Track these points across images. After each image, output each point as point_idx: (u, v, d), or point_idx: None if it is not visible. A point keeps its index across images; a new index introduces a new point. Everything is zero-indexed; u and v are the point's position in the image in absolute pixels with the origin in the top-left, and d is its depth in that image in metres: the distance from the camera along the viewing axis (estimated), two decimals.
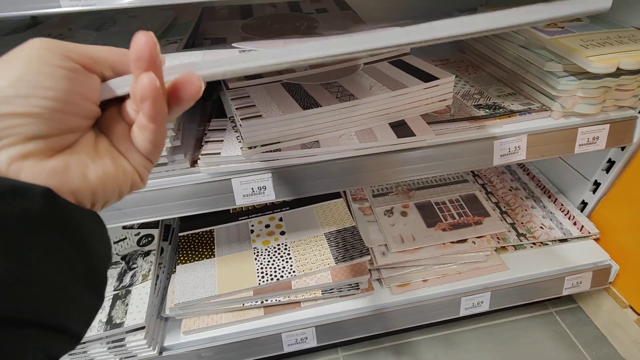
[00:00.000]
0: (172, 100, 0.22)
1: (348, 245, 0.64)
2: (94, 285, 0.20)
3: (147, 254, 0.63)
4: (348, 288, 0.61)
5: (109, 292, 0.57)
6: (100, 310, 0.55)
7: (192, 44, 0.62)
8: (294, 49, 0.21)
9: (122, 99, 0.22)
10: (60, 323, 0.18)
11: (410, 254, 0.65)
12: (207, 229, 0.69)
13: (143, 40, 0.19)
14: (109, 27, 0.59)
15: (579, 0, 0.23)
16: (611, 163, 0.66)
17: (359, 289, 0.62)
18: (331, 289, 0.61)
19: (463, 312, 0.65)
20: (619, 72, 0.51)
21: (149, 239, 0.66)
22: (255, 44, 0.48)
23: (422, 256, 0.65)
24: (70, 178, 0.19)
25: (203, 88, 0.22)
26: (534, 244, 0.70)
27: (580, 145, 0.56)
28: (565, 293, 0.67)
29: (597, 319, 0.73)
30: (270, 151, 0.46)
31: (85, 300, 0.19)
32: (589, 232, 0.69)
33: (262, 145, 0.46)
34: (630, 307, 0.67)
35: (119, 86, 0.22)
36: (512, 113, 0.56)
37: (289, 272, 0.60)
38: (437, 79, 0.50)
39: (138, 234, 0.67)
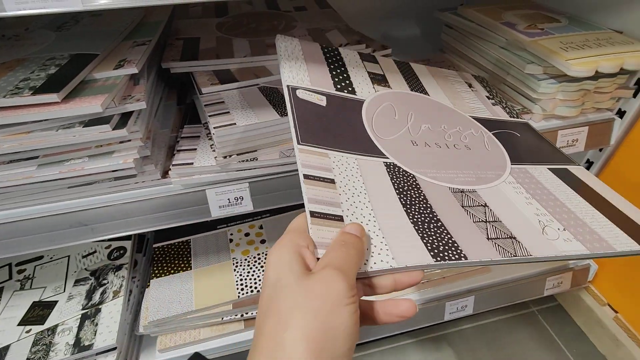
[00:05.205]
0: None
1: None
2: None
3: (119, 268, 0.60)
4: None
5: (77, 312, 0.54)
6: (67, 332, 0.51)
7: (163, 45, 0.58)
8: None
9: None
10: None
11: None
12: (183, 239, 0.65)
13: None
14: (70, 27, 0.54)
15: None
16: (589, 164, 0.66)
17: None
18: None
19: (447, 317, 0.65)
20: (597, 75, 0.51)
21: (121, 252, 0.62)
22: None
23: None
24: None
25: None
26: None
27: (560, 147, 0.56)
28: (546, 293, 0.68)
29: (577, 317, 0.74)
30: (247, 160, 0.44)
31: None
32: None
33: (237, 155, 0.44)
34: (609, 305, 0.68)
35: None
36: None
37: None
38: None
39: (109, 246, 0.63)
